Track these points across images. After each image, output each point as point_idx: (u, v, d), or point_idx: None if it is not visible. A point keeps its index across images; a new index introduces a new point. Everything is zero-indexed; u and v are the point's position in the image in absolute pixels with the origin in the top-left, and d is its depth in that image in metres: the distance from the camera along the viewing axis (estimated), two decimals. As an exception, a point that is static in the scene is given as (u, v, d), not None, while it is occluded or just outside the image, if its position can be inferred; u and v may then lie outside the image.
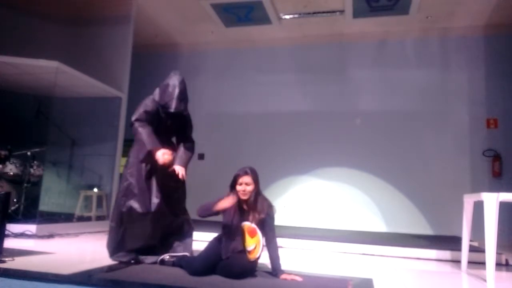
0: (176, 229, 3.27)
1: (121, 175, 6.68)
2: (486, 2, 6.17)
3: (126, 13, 6.55)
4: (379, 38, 7.30)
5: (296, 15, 6.87)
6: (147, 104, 3.16)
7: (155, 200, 3.07)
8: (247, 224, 2.78)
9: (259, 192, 2.83)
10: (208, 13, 6.84)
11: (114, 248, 3.14)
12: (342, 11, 6.63)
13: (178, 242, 3.24)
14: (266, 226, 2.77)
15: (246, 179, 2.76)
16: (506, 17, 6.47)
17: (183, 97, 3.15)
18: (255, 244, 2.76)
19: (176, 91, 3.11)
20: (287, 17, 6.92)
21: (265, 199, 2.85)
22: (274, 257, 2.75)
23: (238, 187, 2.77)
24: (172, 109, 3.09)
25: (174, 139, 3.41)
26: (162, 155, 2.99)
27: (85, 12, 6.65)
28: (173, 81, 3.16)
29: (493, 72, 6.73)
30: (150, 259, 3.10)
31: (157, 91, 3.23)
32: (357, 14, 6.64)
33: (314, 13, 6.75)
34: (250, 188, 2.76)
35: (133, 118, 3.11)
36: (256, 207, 2.77)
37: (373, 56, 7.32)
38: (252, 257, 2.76)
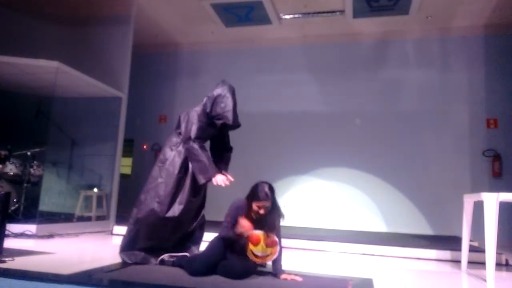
0: (190, 233, 3.28)
1: (122, 175, 6.72)
2: (486, 2, 6.17)
3: (126, 13, 6.55)
4: (379, 38, 7.30)
5: (296, 15, 6.87)
6: (201, 119, 3.11)
7: (178, 206, 3.06)
8: (266, 235, 2.70)
9: (274, 205, 2.78)
10: (208, 13, 6.84)
11: (126, 244, 3.13)
12: (342, 11, 6.63)
13: (191, 246, 3.26)
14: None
15: (266, 203, 2.71)
16: (506, 17, 6.47)
17: (236, 108, 3.13)
18: (269, 253, 2.71)
19: (231, 103, 3.08)
20: (287, 17, 6.92)
21: (278, 210, 2.80)
22: (276, 257, 2.76)
23: (254, 207, 2.73)
24: (230, 122, 3.07)
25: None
26: (219, 179, 2.97)
27: (85, 12, 6.66)
28: (225, 92, 3.11)
29: (493, 72, 6.73)
30: (164, 256, 3.11)
31: (207, 103, 3.16)
32: (357, 14, 6.64)
33: (314, 13, 6.75)
34: (265, 211, 2.72)
35: (193, 136, 3.06)
36: (272, 225, 2.74)
37: (373, 56, 7.32)
38: (259, 261, 2.73)
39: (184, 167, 3.12)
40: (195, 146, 3.03)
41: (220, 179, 2.94)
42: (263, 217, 2.73)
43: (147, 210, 3.06)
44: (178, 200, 3.08)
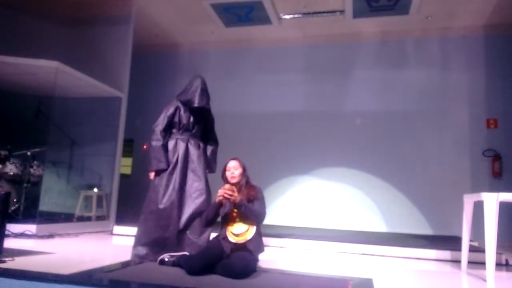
0: (191, 223, 3.32)
1: (122, 175, 6.72)
2: (486, 2, 6.17)
3: (126, 13, 6.55)
4: (379, 38, 7.29)
5: (296, 15, 6.87)
6: (168, 108, 3.50)
7: (172, 192, 3.28)
8: (239, 212, 2.86)
9: (249, 180, 3.03)
10: (208, 13, 6.84)
11: (135, 241, 3.27)
12: (342, 11, 6.63)
13: (195, 240, 3.27)
14: (255, 201, 2.90)
15: (233, 163, 3.02)
16: (506, 17, 6.47)
17: (204, 93, 3.49)
18: (247, 227, 2.84)
19: (198, 88, 3.46)
20: (287, 17, 6.92)
21: (254, 186, 3.02)
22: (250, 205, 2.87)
23: (227, 173, 3.00)
24: (195, 104, 3.42)
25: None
26: (151, 174, 3.38)
27: (85, 12, 6.65)
28: (195, 81, 3.52)
29: (493, 72, 6.73)
30: (164, 256, 3.14)
31: (183, 91, 3.59)
32: (357, 14, 6.64)
33: (314, 13, 6.75)
34: (237, 172, 2.99)
35: (154, 125, 3.44)
36: (246, 191, 2.93)
37: (373, 56, 7.32)
38: (242, 239, 2.82)
39: (175, 156, 3.38)
40: (152, 136, 3.41)
41: (151, 175, 3.36)
42: (236, 181, 2.97)
43: (147, 202, 3.32)
44: (171, 186, 3.29)
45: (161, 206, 3.24)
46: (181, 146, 3.41)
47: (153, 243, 3.20)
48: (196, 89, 3.45)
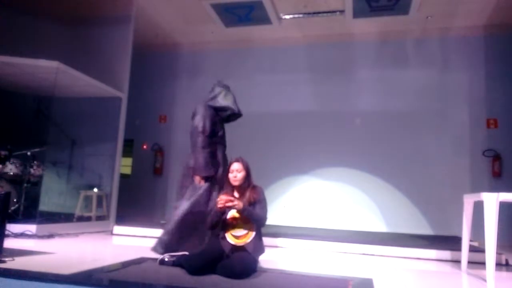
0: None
1: (122, 175, 6.72)
2: (486, 2, 6.17)
3: (126, 13, 6.55)
4: (379, 38, 7.29)
5: (296, 15, 6.88)
6: (207, 114, 3.53)
7: (214, 200, 3.27)
8: (240, 214, 2.86)
9: (251, 182, 3.01)
10: (208, 13, 6.84)
11: (167, 234, 3.32)
12: (342, 11, 6.63)
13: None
14: (257, 204, 2.90)
15: (236, 166, 2.99)
16: (506, 17, 6.47)
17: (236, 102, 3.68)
18: (247, 231, 2.85)
19: (233, 97, 3.65)
20: (287, 17, 6.92)
21: (256, 187, 3.01)
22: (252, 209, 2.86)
23: (230, 175, 2.98)
24: (236, 111, 3.63)
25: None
26: (197, 179, 3.41)
27: (85, 12, 6.65)
28: (226, 88, 3.66)
29: (493, 72, 6.73)
30: (164, 256, 3.18)
31: (214, 98, 3.62)
32: (357, 14, 6.64)
33: (314, 13, 6.75)
34: (240, 175, 2.96)
35: (206, 133, 3.46)
36: (248, 193, 2.93)
37: (373, 56, 7.32)
38: (241, 242, 2.83)
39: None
40: (201, 143, 3.42)
41: (198, 180, 3.39)
42: (239, 183, 2.96)
43: (195, 202, 3.34)
44: (215, 190, 3.36)
45: (209, 208, 3.27)
46: (220, 152, 3.56)
47: (181, 240, 3.26)
48: (232, 96, 3.65)
